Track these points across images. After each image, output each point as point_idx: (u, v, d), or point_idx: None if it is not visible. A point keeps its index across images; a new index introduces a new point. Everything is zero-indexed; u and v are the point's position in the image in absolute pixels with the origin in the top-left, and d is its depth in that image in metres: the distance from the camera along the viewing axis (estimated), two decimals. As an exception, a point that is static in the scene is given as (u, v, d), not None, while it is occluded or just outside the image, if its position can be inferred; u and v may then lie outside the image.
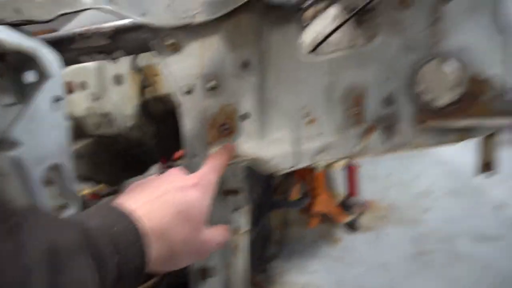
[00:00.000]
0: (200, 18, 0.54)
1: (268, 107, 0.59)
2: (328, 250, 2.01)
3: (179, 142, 0.64)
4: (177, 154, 1.40)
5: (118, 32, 0.63)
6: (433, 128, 0.58)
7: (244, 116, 0.59)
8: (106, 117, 1.20)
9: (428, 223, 2.13)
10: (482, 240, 1.93)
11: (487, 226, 2.02)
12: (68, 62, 0.66)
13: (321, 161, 0.60)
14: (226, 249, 0.70)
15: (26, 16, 0.57)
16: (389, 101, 0.57)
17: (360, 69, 0.56)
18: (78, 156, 1.24)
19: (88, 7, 0.56)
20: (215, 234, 0.48)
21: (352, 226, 2.13)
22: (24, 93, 0.58)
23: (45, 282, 0.28)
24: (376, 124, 0.58)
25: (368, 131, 0.59)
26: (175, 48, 0.57)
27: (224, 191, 0.67)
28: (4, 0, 0.57)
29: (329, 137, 0.59)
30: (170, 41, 0.56)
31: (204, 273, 0.69)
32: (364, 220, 2.20)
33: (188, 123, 0.60)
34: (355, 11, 0.55)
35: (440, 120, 0.57)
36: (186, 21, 0.54)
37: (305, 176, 1.96)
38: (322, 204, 1.96)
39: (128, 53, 0.67)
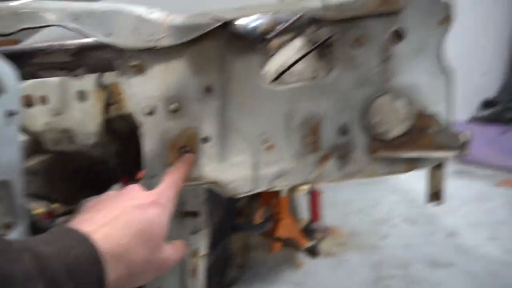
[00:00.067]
0: (165, 43, 0.55)
1: (229, 131, 0.60)
2: (290, 275, 2.00)
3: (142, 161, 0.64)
4: (140, 173, 1.37)
5: (82, 49, 0.63)
6: (384, 157, 0.61)
7: (205, 140, 0.60)
8: (66, 133, 1.16)
9: (386, 250, 2.19)
10: (436, 266, 2.01)
11: (440, 253, 2.11)
12: (26, 76, 0.64)
13: (279, 186, 0.62)
14: (183, 271, 0.69)
15: (-15, 28, 0.56)
16: (343, 131, 0.60)
17: (317, 100, 0.59)
18: (33, 172, 1.19)
19: (52, 23, 0.56)
20: (174, 250, 0.48)
21: (313, 252, 2.15)
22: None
23: None
24: (331, 152, 0.61)
25: (324, 158, 0.61)
26: (139, 70, 0.57)
27: (182, 213, 0.67)
28: (-37, 11, 0.55)
29: (287, 163, 0.61)
30: (134, 63, 0.57)
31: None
32: (325, 245, 2.23)
33: (149, 143, 0.60)
34: (316, 45, 0.59)
35: (391, 151, 0.61)
36: (151, 44, 0.55)
37: (269, 200, 1.97)
38: (285, 229, 1.97)
39: (90, 71, 0.66)
